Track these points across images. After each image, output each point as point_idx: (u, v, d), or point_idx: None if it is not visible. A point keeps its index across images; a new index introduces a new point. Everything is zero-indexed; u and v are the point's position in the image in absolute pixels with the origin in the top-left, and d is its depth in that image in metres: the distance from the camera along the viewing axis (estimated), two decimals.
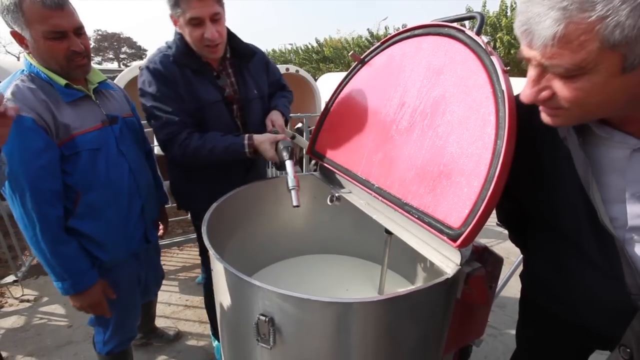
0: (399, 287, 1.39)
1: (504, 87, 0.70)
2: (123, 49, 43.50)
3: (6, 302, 2.29)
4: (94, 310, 1.19)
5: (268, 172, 2.11)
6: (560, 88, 0.54)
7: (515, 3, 12.64)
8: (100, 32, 41.74)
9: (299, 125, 3.17)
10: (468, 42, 0.83)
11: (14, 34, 1.01)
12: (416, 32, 1.02)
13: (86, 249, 1.16)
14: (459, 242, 0.69)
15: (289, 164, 1.13)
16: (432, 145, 0.83)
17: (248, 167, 1.46)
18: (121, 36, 43.21)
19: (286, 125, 1.45)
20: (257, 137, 1.22)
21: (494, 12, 14.02)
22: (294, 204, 1.04)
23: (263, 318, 0.71)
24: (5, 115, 0.67)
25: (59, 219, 1.07)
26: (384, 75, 1.09)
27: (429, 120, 0.86)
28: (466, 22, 0.99)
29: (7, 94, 0.98)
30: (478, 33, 0.84)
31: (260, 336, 0.73)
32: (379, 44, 1.16)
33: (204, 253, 1.65)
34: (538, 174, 0.73)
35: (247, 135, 1.23)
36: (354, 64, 1.25)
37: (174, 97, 1.22)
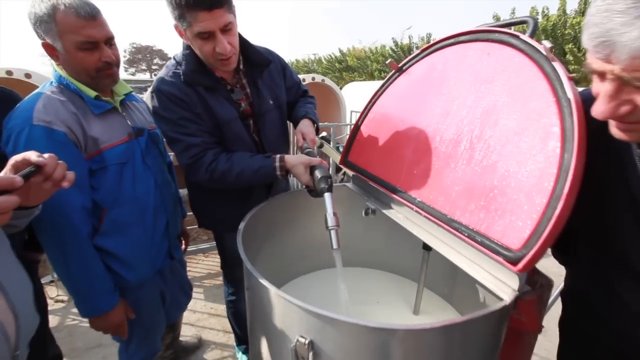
0: (434, 306, 1.31)
1: (570, 95, 0.64)
2: (155, 61, 45.79)
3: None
4: (114, 332, 1.16)
5: (292, 186, 2.00)
6: None
7: (547, 9, 12.21)
8: (135, 45, 44.29)
9: (324, 134, 3.16)
10: (523, 47, 0.77)
11: (45, 45, 1.00)
12: (461, 38, 0.97)
13: (111, 268, 1.12)
14: (520, 266, 0.62)
15: (327, 199, 0.98)
16: (483, 158, 0.77)
17: (269, 186, 1.40)
18: (153, 48, 45.60)
19: (317, 132, 1.35)
20: (289, 159, 1.12)
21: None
22: (334, 246, 0.92)
23: (302, 340, 0.67)
24: (58, 184, 0.65)
25: (89, 236, 1.04)
26: (424, 83, 1.04)
27: (479, 131, 0.81)
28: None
29: (38, 106, 0.96)
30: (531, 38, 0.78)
31: (297, 359, 0.69)
32: (418, 51, 1.11)
33: (227, 267, 1.58)
34: (590, 192, 0.67)
35: (278, 157, 1.14)
36: (390, 72, 1.21)
37: (192, 118, 1.15)
